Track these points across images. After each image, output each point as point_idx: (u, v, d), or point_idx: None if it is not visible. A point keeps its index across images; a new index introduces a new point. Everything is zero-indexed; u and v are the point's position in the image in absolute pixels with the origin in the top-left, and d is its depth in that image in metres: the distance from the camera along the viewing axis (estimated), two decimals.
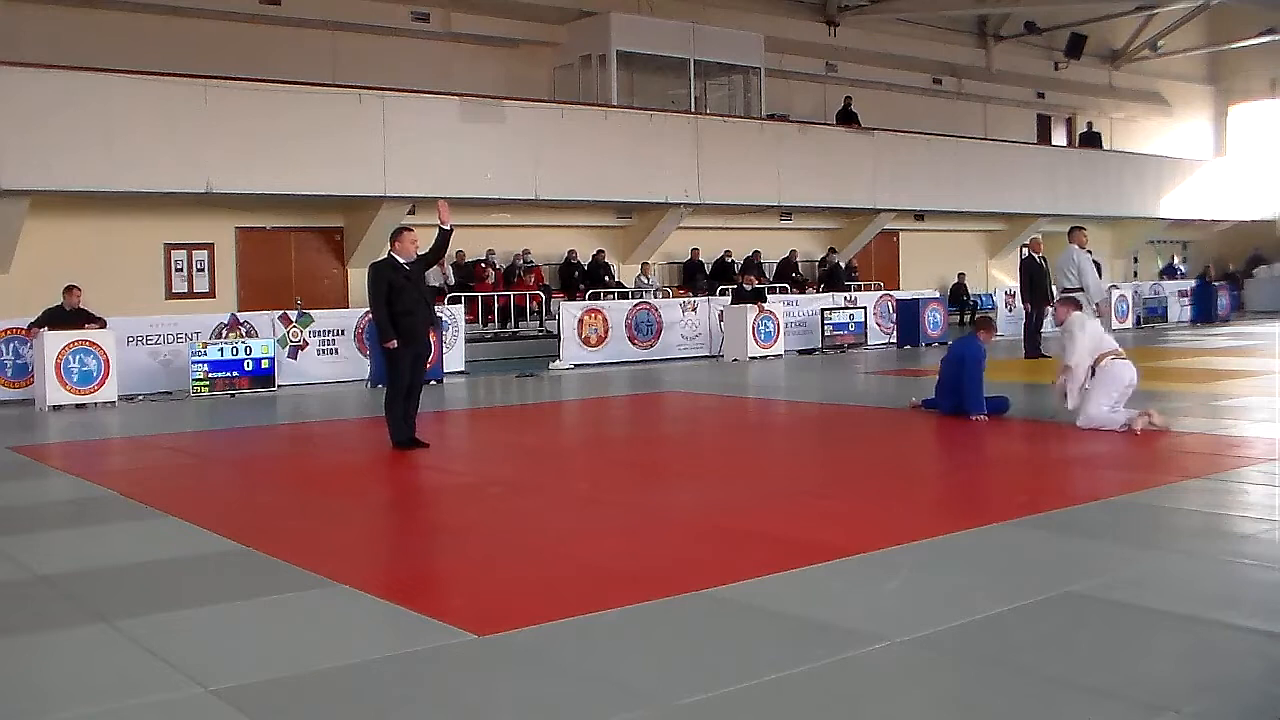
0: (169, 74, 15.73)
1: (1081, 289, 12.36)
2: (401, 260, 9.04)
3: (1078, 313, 9.61)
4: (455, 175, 17.81)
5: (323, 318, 15.72)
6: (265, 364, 14.47)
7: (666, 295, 20.53)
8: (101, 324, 13.43)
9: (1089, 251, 14.68)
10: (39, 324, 13.22)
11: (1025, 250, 19.57)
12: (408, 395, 9.14)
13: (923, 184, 24.08)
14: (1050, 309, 17.12)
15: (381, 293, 8.96)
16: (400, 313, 8.93)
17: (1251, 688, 3.77)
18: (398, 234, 9.19)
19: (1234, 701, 3.64)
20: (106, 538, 6.38)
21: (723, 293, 20.33)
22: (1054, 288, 15.76)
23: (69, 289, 13.57)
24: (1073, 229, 13.09)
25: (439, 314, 16.36)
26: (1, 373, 13.53)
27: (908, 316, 20.73)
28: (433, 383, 15.17)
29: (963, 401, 10.09)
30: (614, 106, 20.69)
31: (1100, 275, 25.08)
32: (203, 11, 18.04)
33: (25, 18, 16.56)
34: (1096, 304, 12.67)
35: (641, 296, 19.69)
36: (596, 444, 10.59)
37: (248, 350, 14.39)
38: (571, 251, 20.99)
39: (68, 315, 13.40)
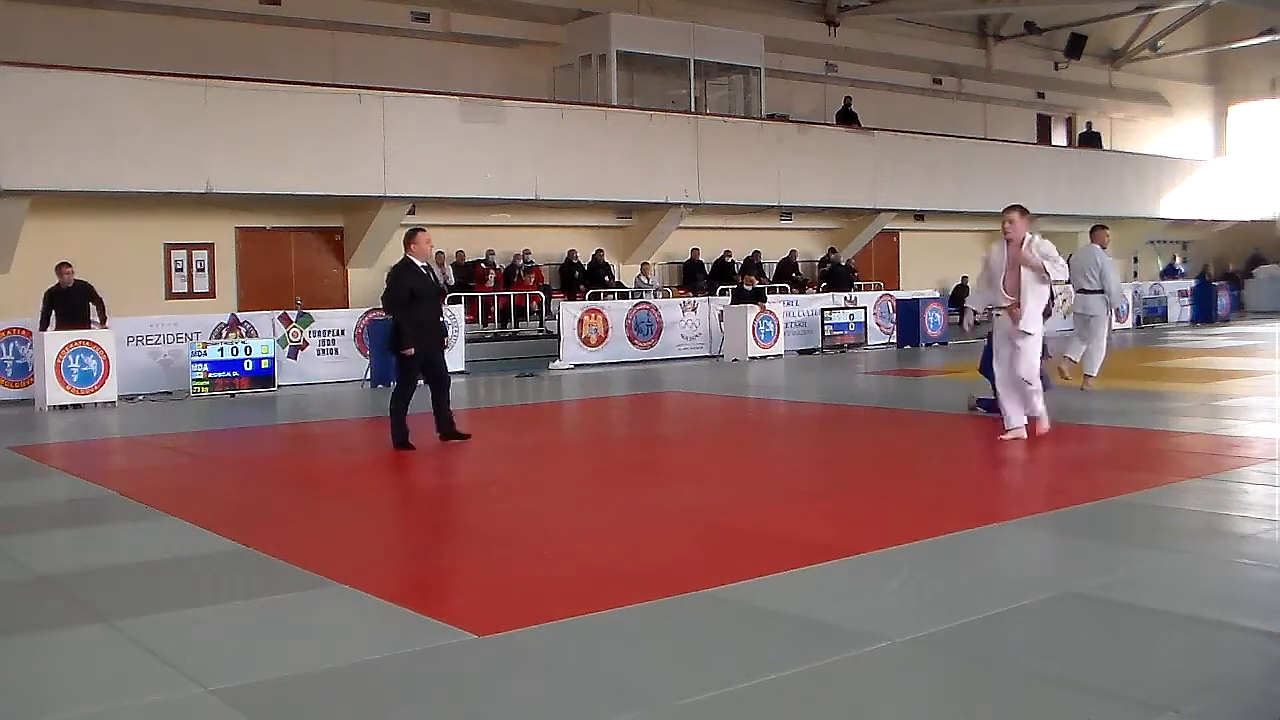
0: (169, 74, 15.72)
1: (1102, 290, 12.29)
2: (419, 262, 9.09)
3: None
4: (455, 175, 17.81)
5: (323, 318, 15.73)
6: (265, 364, 14.48)
7: (666, 295, 20.53)
8: (101, 306, 13.38)
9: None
10: (45, 313, 13.18)
11: None
12: (439, 391, 9.27)
13: (923, 184, 24.07)
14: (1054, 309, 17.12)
15: (403, 297, 8.97)
16: (417, 318, 8.99)
17: (1251, 688, 3.77)
18: (412, 235, 9.20)
19: (1234, 701, 3.64)
20: (106, 538, 6.38)
21: (723, 293, 20.33)
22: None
23: (61, 266, 13.37)
24: (1095, 228, 12.97)
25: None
26: (1, 373, 13.54)
27: (908, 316, 20.73)
28: None
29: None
30: (614, 106, 20.68)
31: None
32: (203, 11, 18.03)
33: (26, 18, 16.55)
34: (1117, 307, 12.58)
35: (641, 296, 19.69)
36: (596, 444, 10.59)
37: (248, 350, 14.40)
38: (572, 251, 20.98)
39: (68, 293, 13.29)
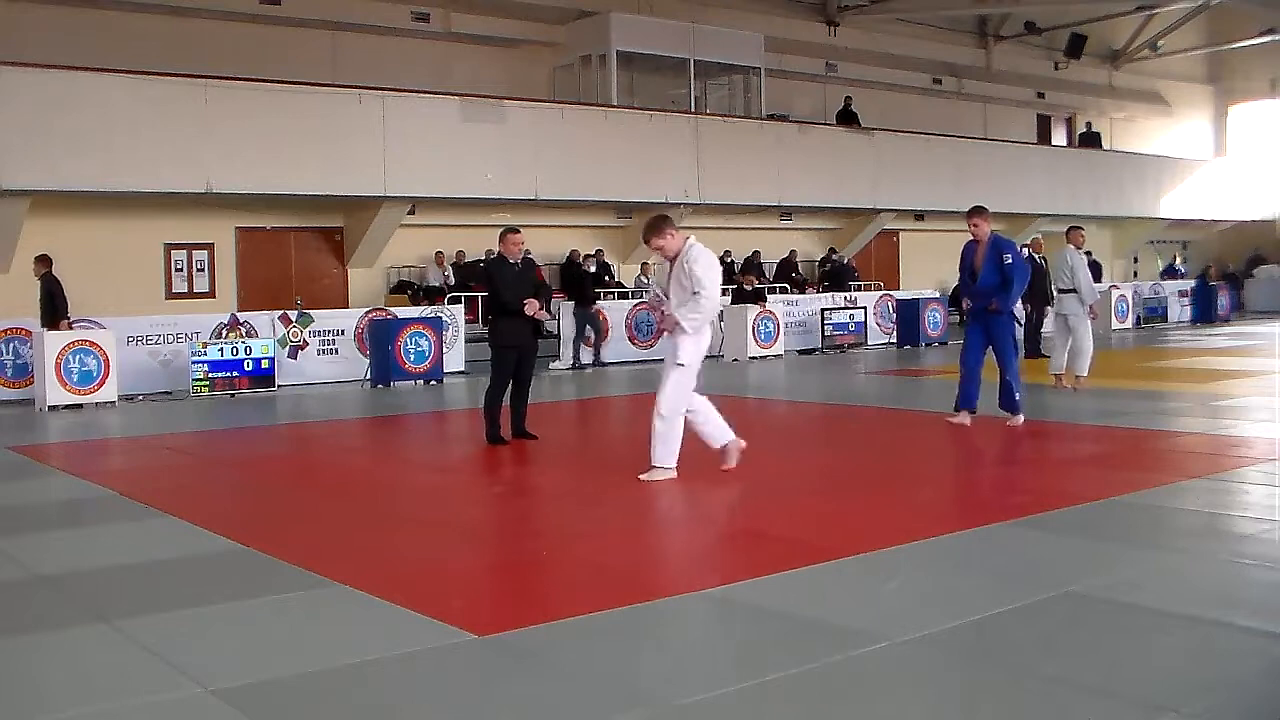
0: (169, 74, 15.73)
1: (1074, 289, 12.38)
2: (511, 260, 9.24)
3: (709, 255, 7.45)
4: (455, 175, 17.82)
5: (323, 318, 15.73)
6: (265, 364, 14.47)
7: (667, 295, 20.50)
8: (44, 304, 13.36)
9: (1088, 252, 14.66)
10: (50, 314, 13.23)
11: (1025, 250, 19.53)
12: (517, 390, 9.44)
13: (923, 184, 24.08)
14: (1050, 309, 17.13)
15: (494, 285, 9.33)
16: (505, 311, 9.12)
17: (1251, 688, 3.77)
18: (504, 235, 9.38)
19: (1234, 701, 3.64)
20: (106, 538, 6.37)
21: (722, 293, 20.30)
22: (1053, 287, 15.74)
23: (37, 259, 13.48)
24: (1070, 229, 13.11)
25: (441, 314, 16.38)
26: (1, 373, 13.54)
27: (908, 316, 20.74)
28: (433, 382, 15.19)
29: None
30: (614, 106, 20.69)
31: (1100, 276, 24.99)
32: (203, 11, 18.04)
33: (25, 18, 16.56)
34: (1090, 305, 12.62)
35: (641, 296, 19.68)
36: (596, 444, 10.59)
37: (248, 350, 14.39)
38: (574, 251, 20.98)
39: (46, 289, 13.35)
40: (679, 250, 7.39)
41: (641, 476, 7.37)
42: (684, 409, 7.44)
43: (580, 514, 6.86)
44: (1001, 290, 9.60)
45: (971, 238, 9.95)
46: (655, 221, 7.49)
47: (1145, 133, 32.91)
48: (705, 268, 7.27)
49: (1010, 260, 9.65)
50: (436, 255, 18.98)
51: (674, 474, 7.38)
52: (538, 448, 9.45)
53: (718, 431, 7.64)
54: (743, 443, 7.70)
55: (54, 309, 13.34)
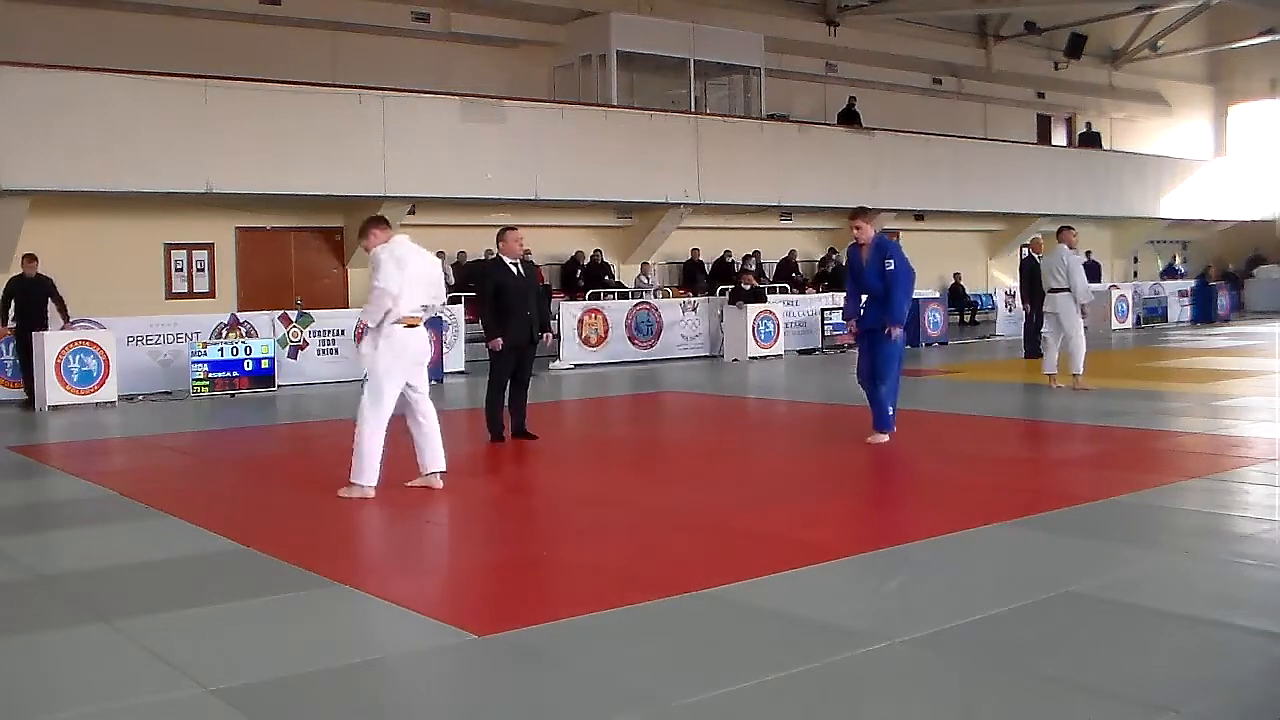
0: (169, 74, 15.72)
1: (1069, 289, 12.33)
2: (508, 260, 9.20)
3: (387, 247, 7.22)
4: (455, 175, 17.82)
5: (323, 318, 15.73)
6: (265, 364, 14.48)
7: (666, 295, 20.54)
8: (62, 305, 13.25)
9: (1088, 252, 14.65)
10: (4, 303, 13.14)
11: (1025, 250, 19.57)
12: (516, 390, 9.45)
13: (923, 184, 24.06)
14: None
15: (489, 292, 9.26)
16: (504, 312, 9.16)
17: (1251, 688, 3.77)
18: (503, 234, 9.37)
19: (1234, 701, 3.64)
20: (106, 538, 6.38)
21: (722, 293, 20.33)
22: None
23: (25, 257, 13.40)
24: (1061, 229, 13.07)
25: (441, 314, 16.37)
26: (1, 373, 13.54)
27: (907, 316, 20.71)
28: (433, 382, 15.18)
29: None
30: (614, 106, 20.68)
31: (1099, 277, 24.99)
32: (203, 11, 18.03)
33: (25, 18, 16.55)
34: (1083, 305, 12.54)
35: (641, 296, 19.69)
36: (596, 444, 10.59)
37: (248, 350, 14.40)
38: (579, 253, 20.99)
39: (29, 285, 13.24)
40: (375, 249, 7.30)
41: (340, 492, 7.19)
42: (375, 421, 7.26)
43: (580, 514, 6.86)
44: (886, 298, 8.92)
45: (855, 241, 9.16)
46: (363, 224, 7.50)
47: (1145, 133, 32.91)
48: (383, 262, 7.10)
49: (893, 265, 8.85)
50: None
51: (371, 493, 7.12)
52: (538, 447, 9.46)
53: (432, 455, 7.45)
54: (436, 483, 7.39)
55: (61, 307, 13.30)
